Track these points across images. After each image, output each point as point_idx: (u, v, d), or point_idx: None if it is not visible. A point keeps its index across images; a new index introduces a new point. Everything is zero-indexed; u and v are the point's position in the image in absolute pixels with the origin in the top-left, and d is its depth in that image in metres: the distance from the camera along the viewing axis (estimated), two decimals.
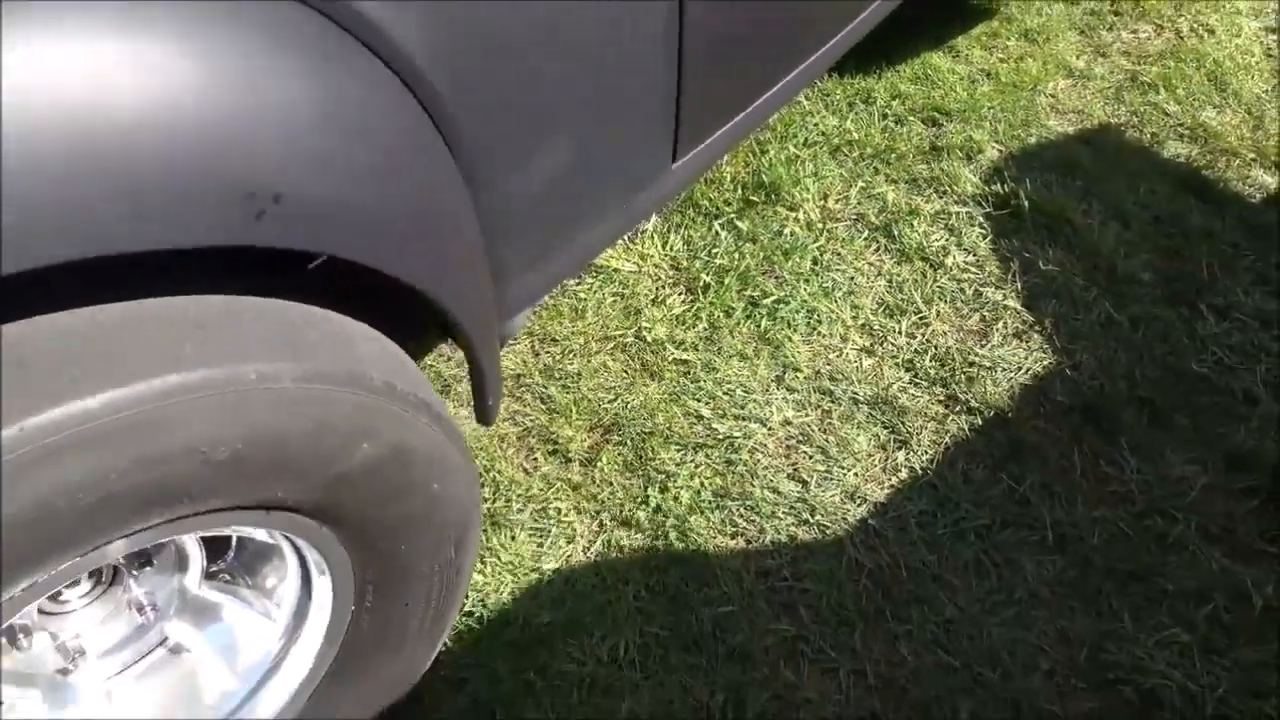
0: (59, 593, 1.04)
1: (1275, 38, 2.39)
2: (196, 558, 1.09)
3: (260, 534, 1.04)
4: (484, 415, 1.22)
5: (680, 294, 1.79)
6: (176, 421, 0.76)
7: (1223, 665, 1.34)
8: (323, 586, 1.10)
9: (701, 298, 1.77)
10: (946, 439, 1.59)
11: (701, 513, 1.49)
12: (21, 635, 1.01)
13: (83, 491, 0.72)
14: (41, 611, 1.04)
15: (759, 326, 1.73)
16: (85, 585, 1.06)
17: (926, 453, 1.57)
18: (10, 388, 0.69)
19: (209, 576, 1.13)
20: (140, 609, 1.09)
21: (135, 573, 1.07)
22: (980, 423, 1.60)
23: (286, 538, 1.03)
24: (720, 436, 1.58)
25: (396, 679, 1.22)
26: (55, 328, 0.75)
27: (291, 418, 0.84)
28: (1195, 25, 2.42)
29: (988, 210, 1.93)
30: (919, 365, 1.68)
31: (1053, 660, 1.35)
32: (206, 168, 0.73)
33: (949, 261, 1.84)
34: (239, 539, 1.13)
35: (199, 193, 0.73)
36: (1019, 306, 1.77)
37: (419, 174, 0.94)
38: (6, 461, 0.67)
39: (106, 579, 1.08)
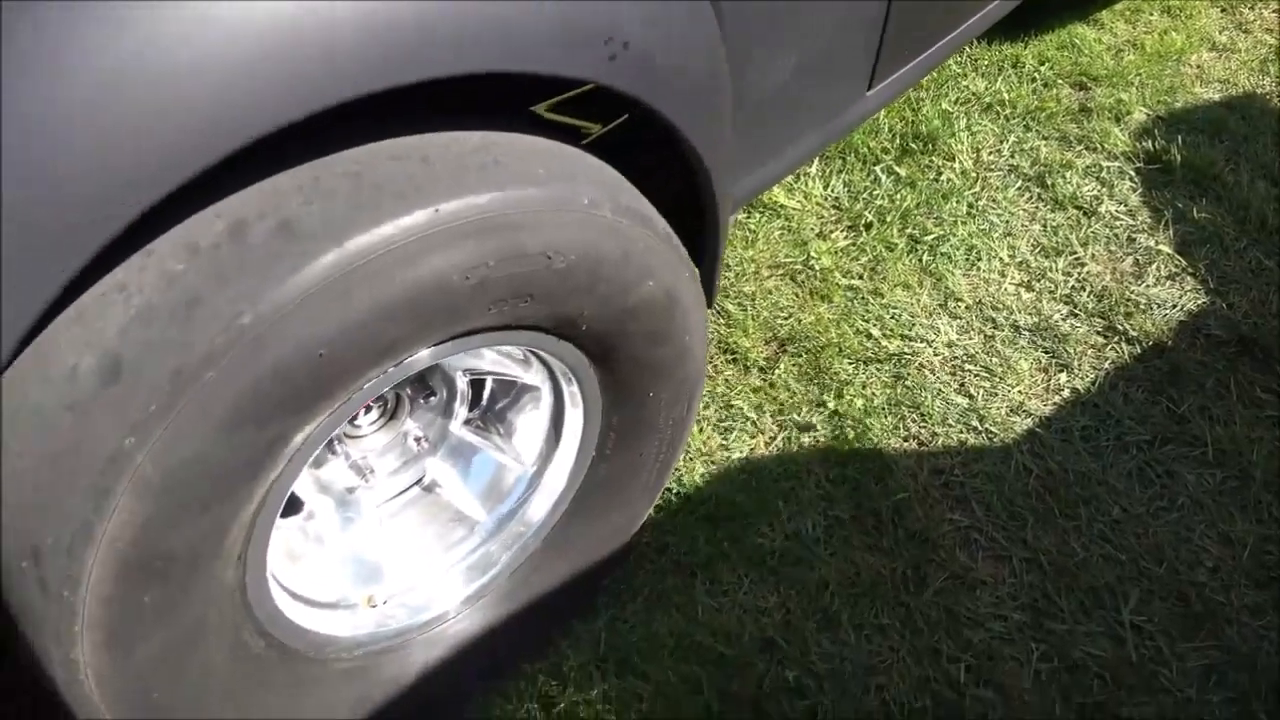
0: (355, 416, 1.20)
1: None
2: (464, 397, 1.25)
3: (529, 375, 1.19)
4: (710, 294, 1.36)
5: (844, 230, 1.91)
6: (533, 227, 0.91)
7: None
8: (572, 432, 1.24)
9: (865, 234, 1.89)
10: (1106, 364, 1.68)
11: (876, 416, 1.61)
12: (336, 443, 1.17)
13: (470, 272, 0.87)
14: (342, 435, 1.20)
15: (920, 261, 1.85)
16: (375, 413, 1.22)
17: (1087, 375, 1.67)
18: (420, 178, 0.85)
19: (467, 422, 1.29)
20: (417, 440, 1.25)
21: (422, 401, 1.23)
22: (1139, 351, 1.70)
23: (552, 376, 1.18)
24: (890, 353, 1.70)
25: (617, 529, 1.36)
26: (437, 141, 0.90)
27: (607, 243, 0.98)
28: None
29: (1138, 165, 2.02)
30: (1077, 299, 1.78)
31: (1216, 559, 1.44)
32: (583, 10, 0.88)
33: (1102, 210, 1.93)
34: (493, 391, 1.28)
35: (575, 30, 0.88)
36: (1172, 252, 1.86)
37: (708, 55, 1.08)
38: (423, 237, 0.83)
39: (390, 410, 1.24)
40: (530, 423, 1.26)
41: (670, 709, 1.29)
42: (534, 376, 1.19)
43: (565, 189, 0.94)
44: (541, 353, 1.12)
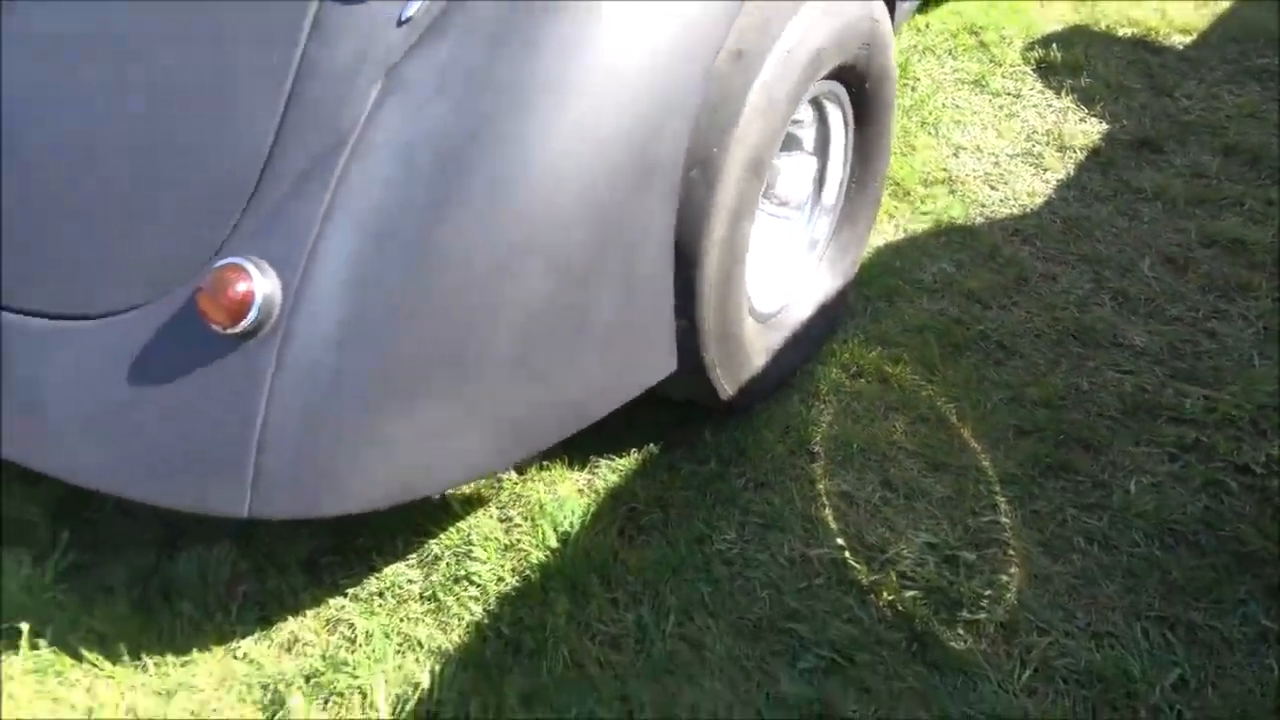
0: None
1: None
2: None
3: (808, 140, 1.91)
4: None
5: None
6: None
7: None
8: (831, 185, 1.97)
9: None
10: (1070, 166, 2.60)
11: (952, 209, 2.43)
12: None
13: (861, 19, 1.61)
14: None
15: (931, 134, 2.73)
16: None
17: (1062, 172, 2.58)
18: None
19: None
20: None
21: None
22: (1085, 156, 2.63)
23: (824, 142, 1.90)
24: (940, 179, 2.54)
25: (851, 263, 2.06)
26: None
27: (885, 17, 1.75)
28: None
29: (1033, 67, 3.03)
30: (1034, 139, 2.71)
31: (1179, 242, 2.34)
32: None
33: (1024, 93, 2.91)
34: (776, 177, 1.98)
35: None
36: (1076, 106, 2.84)
37: None
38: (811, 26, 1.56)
39: None
40: (801, 187, 1.97)
41: (921, 353, 2.00)
42: (811, 144, 1.92)
43: None
44: (832, 113, 1.85)
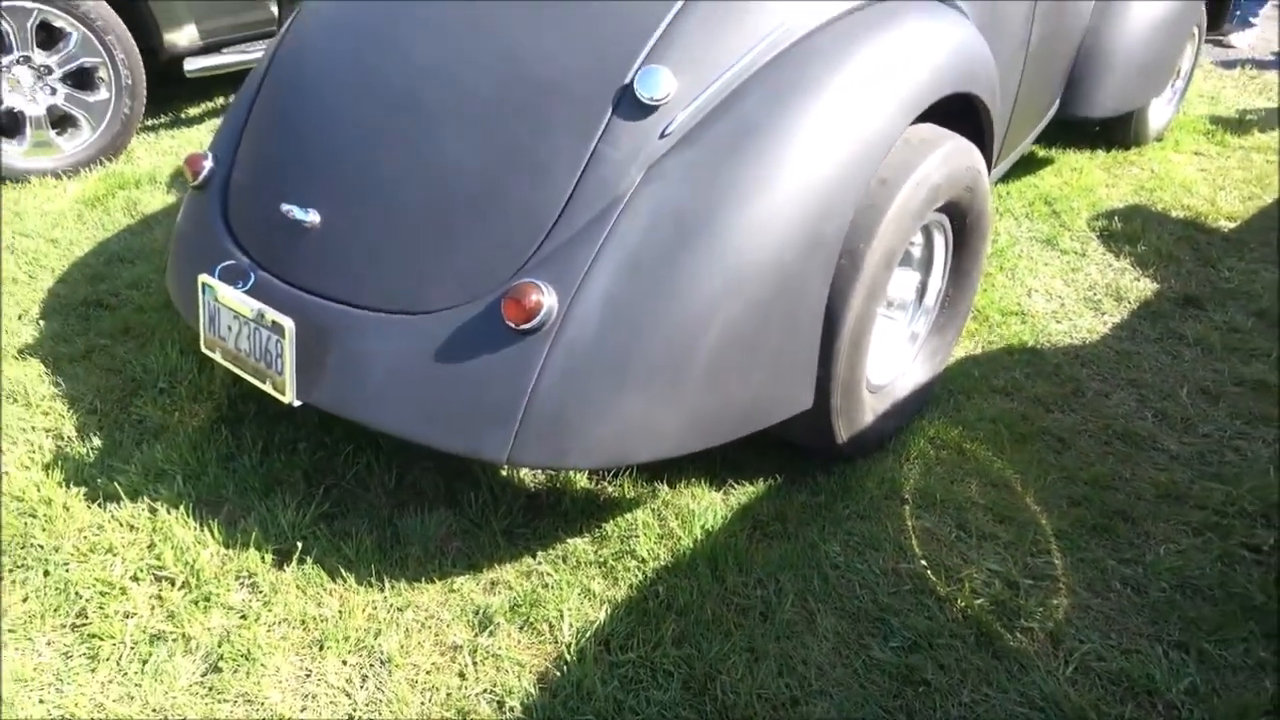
0: None
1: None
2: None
3: (917, 257, 2.45)
4: None
5: None
6: (973, 154, 2.23)
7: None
8: (931, 297, 2.50)
9: None
10: (1125, 312, 3.11)
11: (1024, 333, 2.93)
12: None
13: (966, 169, 2.18)
14: None
15: (1009, 277, 3.26)
16: None
17: (1117, 316, 3.08)
18: (951, 133, 2.17)
19: None
20: None
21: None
22: (1138, 307, 3.14)
23: (929, 264, 2.45)
24: (1015, 311, 3.06)
25: (943, 357, 2.56)
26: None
27: (983, 170, 2.32)
28: (1156, 168, 4.28)
29: (1098, 234, 3.58)
30: (1096, 289, 3.23)
31: (1224, 376, 2.80)
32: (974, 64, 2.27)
33: (1088, 252, 3.45)
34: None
35: (976, 66, 2.26)
36: (1132, 268, 3.37)
37: (1002, 91, 2.49)
38: (953, 150, 2.14)
39: None
40: (908, 303, 2.50)
41: (993, 437, 2.47)
42: (917, 261, 2.46)
43: (972, 144, 2.29)
44: (938, 238, 2.40)
